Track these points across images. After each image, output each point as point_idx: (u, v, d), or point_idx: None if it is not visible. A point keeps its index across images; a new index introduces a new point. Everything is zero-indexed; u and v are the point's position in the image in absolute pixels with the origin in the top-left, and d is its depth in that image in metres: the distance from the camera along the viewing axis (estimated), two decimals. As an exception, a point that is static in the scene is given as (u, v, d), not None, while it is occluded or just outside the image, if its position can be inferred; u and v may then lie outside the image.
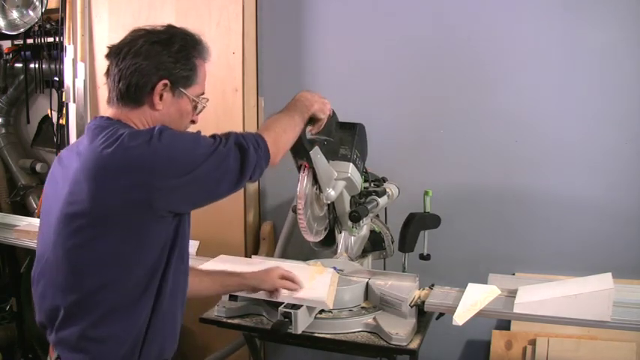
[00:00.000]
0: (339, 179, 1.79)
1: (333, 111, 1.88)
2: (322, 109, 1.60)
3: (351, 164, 1.81)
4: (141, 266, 1.19)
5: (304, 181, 1.70)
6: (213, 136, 1.28)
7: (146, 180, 1.15)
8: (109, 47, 1.29)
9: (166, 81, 1.25)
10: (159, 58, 1.25)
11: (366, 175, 1.98)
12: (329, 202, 1.80)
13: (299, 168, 1.73)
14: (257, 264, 1.80)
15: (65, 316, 1.22)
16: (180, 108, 1.30)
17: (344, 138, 1.84)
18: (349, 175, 1.80)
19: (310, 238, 1.81)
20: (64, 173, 1.25)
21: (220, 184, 1.25)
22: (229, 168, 1.25)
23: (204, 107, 1.37)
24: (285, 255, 2.42)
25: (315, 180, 1.73)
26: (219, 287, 1.60)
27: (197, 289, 1.48)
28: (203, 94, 1.36)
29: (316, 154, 1.68)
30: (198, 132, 1.27)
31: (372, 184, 2.01)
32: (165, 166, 1.17)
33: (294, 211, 2.15)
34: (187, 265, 1.33)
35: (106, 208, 1.15)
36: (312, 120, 1.60)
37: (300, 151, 1.65)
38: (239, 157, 1.26)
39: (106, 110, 1.31)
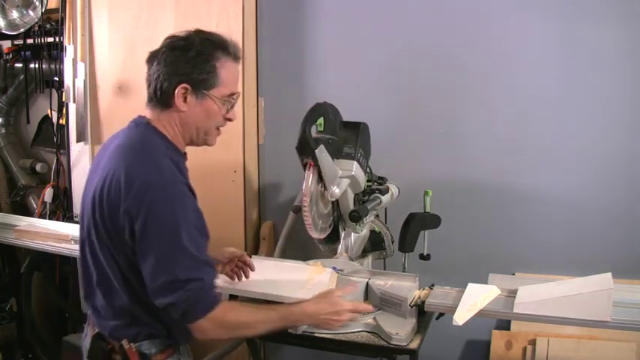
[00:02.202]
0: (344, 177, 1.81)
1: (338, 110, 1.89)
2: (324, 324, 1.50)
3: (355, 162, 1.83)
4: None
5: (309, 179, 1.72)
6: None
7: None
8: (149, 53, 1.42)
9: (185, 85, 1.34)
10: (176, 64, 1.34)
11: (369, 174, 1.99)
12: (333, 199, 1.82)
13: (304, 166, 1.74)
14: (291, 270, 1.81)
15: None
16: (206, 109, 1.38)
17: (348, 137, 1.86)
18: (353, 173, 1.82)
19: (315, 235, 1.82)
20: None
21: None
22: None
23: (233, 105, 1.43)
24: (284, 255, 2.42)
25: (320, 178, 1.75)
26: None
27: None
28: (234, 94, 1.42)
29: (321, 153, 1.70)
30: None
31: (375, 183, 2.02)
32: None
33: (295, 211, 2.16)
34: None
35: None
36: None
37: (305, 149, 1.67)
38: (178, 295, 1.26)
39: (144, 109, 1.42)
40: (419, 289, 1.78)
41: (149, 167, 1.29)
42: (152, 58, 1.38)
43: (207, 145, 1.47)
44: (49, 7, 2.74)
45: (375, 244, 2.08)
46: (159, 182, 1.27)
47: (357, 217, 1.81)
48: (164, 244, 1.24)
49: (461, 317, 1.53)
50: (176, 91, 1.34)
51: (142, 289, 1.31)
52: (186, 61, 1.33)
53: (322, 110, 1.81)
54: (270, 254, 2.51)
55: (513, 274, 2.21)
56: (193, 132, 1.41)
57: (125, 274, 1.33)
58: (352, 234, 1.94)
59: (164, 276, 1.25)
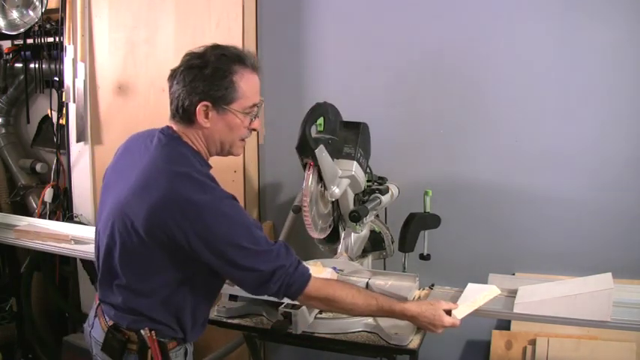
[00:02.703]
0: (344, 177, 1.81)
1: (338, 110, 1.90)
2: (429, 326, 1.53)
3: (355, 162, 1.83)
4: None
5: (309, 179, 1.72)
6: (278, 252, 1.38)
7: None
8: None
9: (206, 102, 1.37)
10: (194, 83, 1.36)
11: (369, 174, 1.99)
12: (333, 199, 1.82)
13: (304, 166, 1.74)
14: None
15: None
16: (228, 123, 1.41)
17: (348, 137, 1.87)
18: (353, 173, 1.82)
19: (315, 234, 1.82)
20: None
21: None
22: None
23: (256, 115, 1.45)
24: (285, 255, 2.41)
25: (320, 178, 1.75)
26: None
27: None
28: (255, 104, 1.44)
29: (321, 153, 1.70)
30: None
31: (375, 183, 2.02)
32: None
33: (295, 211, 2.16)
34: None
35: None
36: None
37: (305, 149, 1.68)
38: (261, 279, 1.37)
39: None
40: (419, 289, 1.78)
41: (195, 187, 1.33)
42: (172, 76, 1.41)
43: (233, 156, 1.51)
44: (49, 7, 2.73)
45: (375, 244, 2.08)
46: (209, 201, 1.32)
47: (357, 217, 1.81)
48: (239, 255, 1.33)
49: (460, 312, 1.53)
50: (197, 109, 1.37)
51: (165, 296, 1.38)
52: (204, 79, 1.36)
53: (322, 110, 1.81)
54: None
55: (513, 274, 2.21)
56: (218, 145, 1.45)
57: (159, 284, 1.39)
58: (352, 234, 1.94)
59: (254, 279, 1.37)
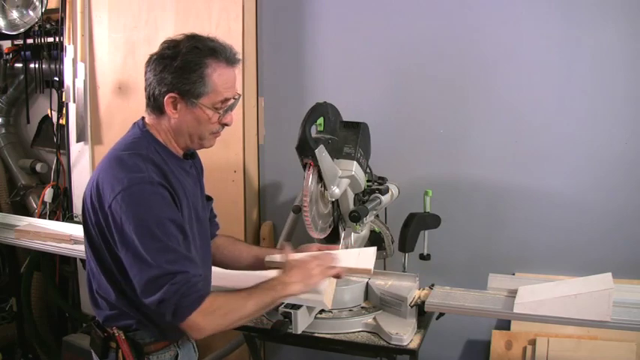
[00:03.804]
0: (344, 177, 1.81)
1: (338, 110, 1.89)
2: (300, 287, 1.42)
3: (355, 162, 1.83)
4: None
5: (309, 179, 1.72)
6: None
7: None
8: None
9: (173, 94, 1.34)
10: (162, 74, 1.34)
11: (369, 174, 1.99)
12: (333, 199, 1.82)
13: (304, 166, 1.74)
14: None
15: None
16: (196, 117, 1.37)
17: (348, 137, 1.86)
18: (353, 173, 1.82)
19: (315, 234, 1.82)
20: None
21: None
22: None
23: (230, 109, 1.41)
24: (285, 255, 2.41)
25: (320, 178, 1.75)
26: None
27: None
28: (227, 99, 1.39)
29: (321, 153, 1.70)
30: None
31: (375, 183, 2.02)
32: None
33: (295, 211, 2.16)
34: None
35: None
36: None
37: (305, 149, 1.67)
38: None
39: (144, 109, 1.43)
40: (419, 289, 1.78)
41: (118, 173, 1.30)
42: (147, 63, 1.39)
43: (206, 147, 1.47)
44: (49, 7, 2.74)
45: (375, 244, 2.08)
46: (125, 186, 1.28)
47: (357, 217, 1.81)
48: (143, 242, 1.25)
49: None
50: (165, 100, 1.35)
51: (129, 287, 1.32)
52: (173, 71, 1.33)
53: (322, 110, 1.81)
54: (270, 254, 2.51)
55: (513, 274, 2.21)
56: (187, 137, 1.41)
57: (111, 273, 1.36)
58: (352, 234, 1.94)
59: (149, 272, 1.24)
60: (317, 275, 1.43)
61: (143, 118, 1.44)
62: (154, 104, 1.38)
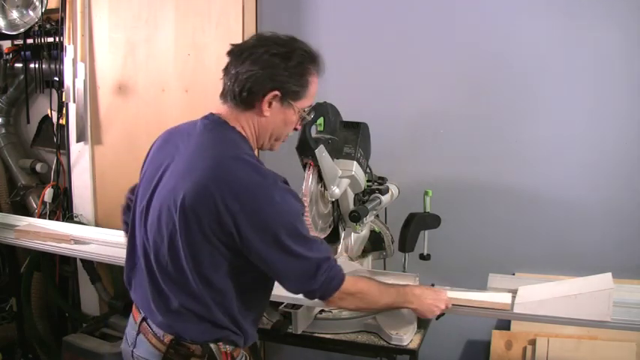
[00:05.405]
0: (344, 177, 1.81)
1: (337, 110, 1.90)
2: (427, 310, 1.56)
3: (355, 162, 1.83)
4: None
5: (309, 179, 1.72)
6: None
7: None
8: (232, 45, 1.35)
9: (277, 92, 1.32)
10: (275, 70, 1.30)
11: (369, 174, 1.99)
12: (333, 199, 1.82)
13: (304, 166, 1.74)
14: None
15: None
16: (286, 118, 1.37)
17: (348, 137, 1.87)
18: (353, 173, 1.82)
19: (315, 234, 1.82)
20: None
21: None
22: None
23: (305, 118, 1.42)
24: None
25: (320, 178, 1.75)
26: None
27: None
28: (309, 107, 1.41)
29: (321, 153, 1.70)
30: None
31: (375, 183, 2.02)
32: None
33: (295, 211, 2.16)
34: None
35: None
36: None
37: (305, 149, 1.68)
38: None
39: (217, 106, 1.37)
40: (419, 289, 1.78)
41: (247, 168, 1.29)
42: (240, 54, 1.31)
43: (271, 151, 1.47)
44: (49, 7, 2.73)
45: (375, 244, 2.08)
46: (262, 182, 1.28)
47: (357, 217, 1.81)
48: (292, 240, 1.27)
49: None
50: (266, 97, 1.31)
51: (225, 294, 1.31)
52: (286, 70, 1.31)
53: (322, 110, 1.81)
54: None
55: (513, 274, 2.21)
56: (267, 137, 1.40)
57: (210, 280, 1.30)
58: (352, 234, 1.94)
59: (303, 269, 1.30)
60: (441, 307, 1.56)
61: (212, 113, 1.37)
62: (245, 98, 1.31)
